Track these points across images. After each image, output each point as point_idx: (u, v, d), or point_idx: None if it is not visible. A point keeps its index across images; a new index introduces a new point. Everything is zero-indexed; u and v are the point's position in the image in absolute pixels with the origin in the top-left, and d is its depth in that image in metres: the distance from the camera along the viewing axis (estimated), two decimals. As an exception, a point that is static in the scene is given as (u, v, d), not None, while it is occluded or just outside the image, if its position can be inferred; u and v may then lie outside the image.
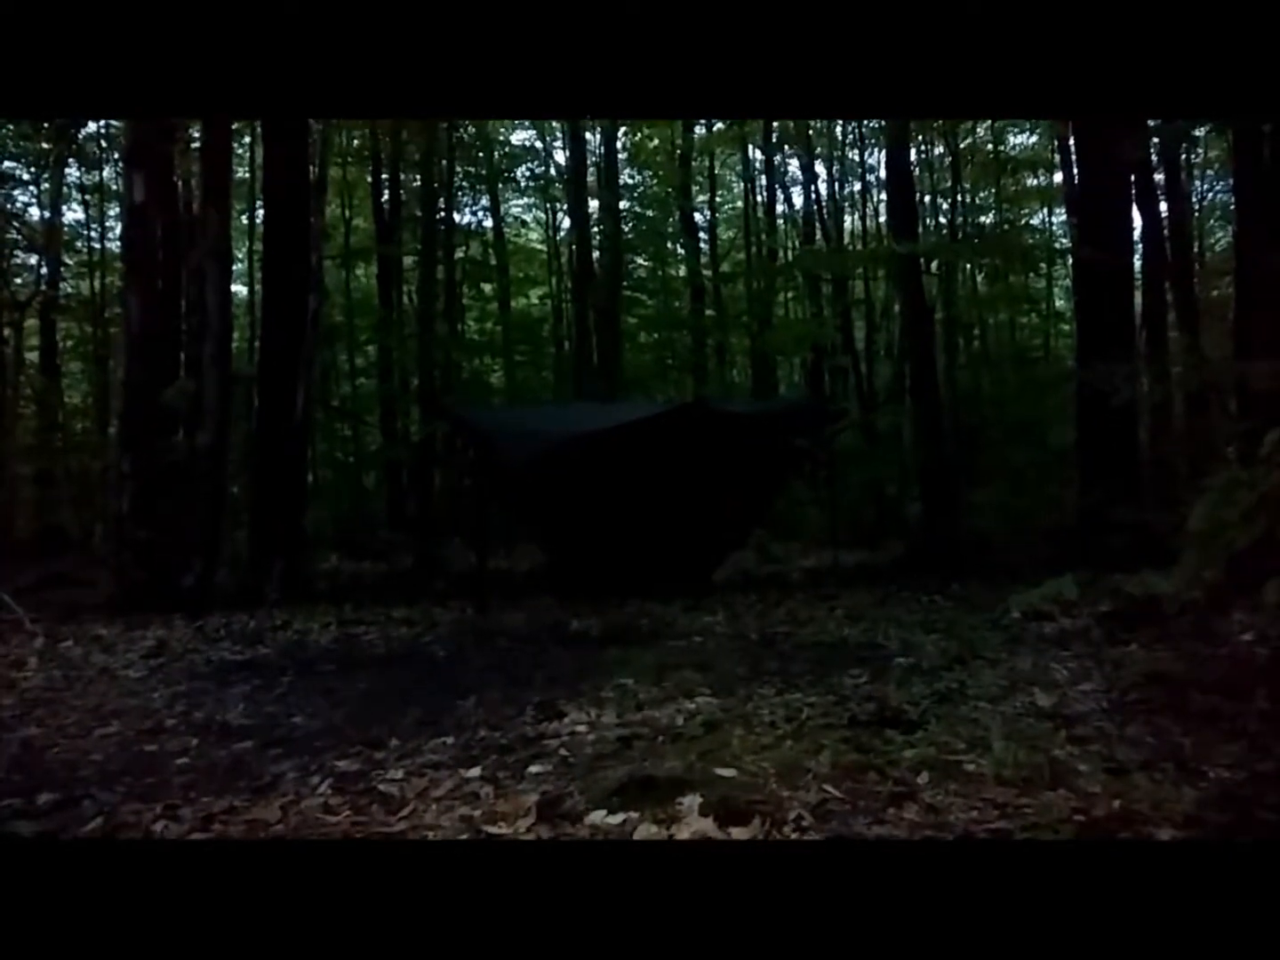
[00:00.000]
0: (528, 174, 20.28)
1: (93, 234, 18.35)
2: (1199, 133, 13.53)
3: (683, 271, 20.18)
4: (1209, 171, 18.31)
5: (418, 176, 16.55)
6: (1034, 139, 18.94)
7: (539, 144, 20.09)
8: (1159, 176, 12.61)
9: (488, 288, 19.65)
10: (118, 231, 15.61)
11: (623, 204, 18.95)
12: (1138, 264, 11.70)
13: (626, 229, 19.05)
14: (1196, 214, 17.91)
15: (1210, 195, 18.97)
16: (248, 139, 15.32)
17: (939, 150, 18.26)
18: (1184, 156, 15.33)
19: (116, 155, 16.00)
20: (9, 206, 16.99)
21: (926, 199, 18.26)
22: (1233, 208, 12.11)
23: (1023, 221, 19.64)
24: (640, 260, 20.27)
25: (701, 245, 20.02)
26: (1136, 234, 11.39)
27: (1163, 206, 12.27)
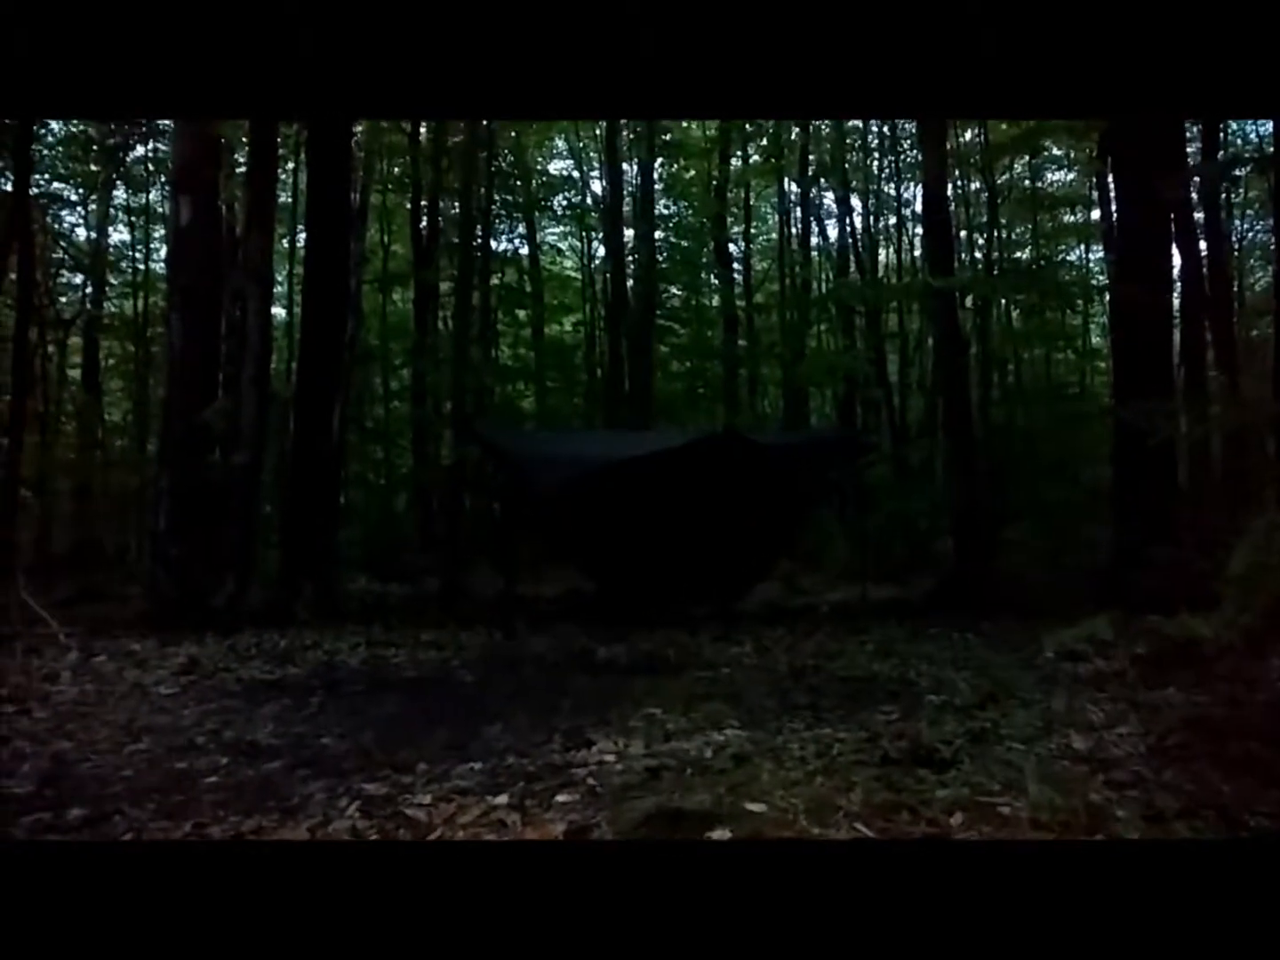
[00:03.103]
0: (564, 203, 20.51)
1: (137, 255, 18.76)
2: (1239, 172, 13.44)
3: (716, 301, 20.23)
4: (1249, 211, 18.18)
5: (456, 204, 16.74)
6: (1072, 175, 18.93)
7: (576, 173, 20.34)
8: (1198, 215, 12.51)
9: (522, 314, 19.79)
10: (162, 253, 15.94)
11: (658, 233, 19.10)
12: (1176, 302, 11.60)
13: (661, 258, 19.16)
14: (1236, 253, 17.76)
15: (1250, 235, 18.83)
16: (291, 165, 15.60)
17: (976, 185, 18.25)
18: (1224, 195, 15.22)
19: (163, 178, 16.35)
20: (57, 226, 17.39)
21: (963, 233, 18.21)
22: (1273, 248, 11.98)
23: (1059, 258, 19.54)
24: (674, 290, 20.38)
25: (736, 276, 20.08)
26: (1175, 272, 11.29)
27: (1202, 245, 12.15)
